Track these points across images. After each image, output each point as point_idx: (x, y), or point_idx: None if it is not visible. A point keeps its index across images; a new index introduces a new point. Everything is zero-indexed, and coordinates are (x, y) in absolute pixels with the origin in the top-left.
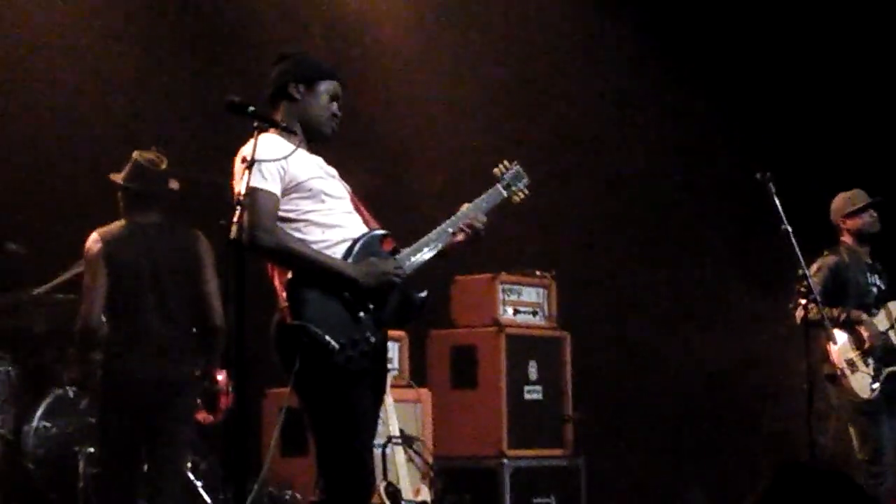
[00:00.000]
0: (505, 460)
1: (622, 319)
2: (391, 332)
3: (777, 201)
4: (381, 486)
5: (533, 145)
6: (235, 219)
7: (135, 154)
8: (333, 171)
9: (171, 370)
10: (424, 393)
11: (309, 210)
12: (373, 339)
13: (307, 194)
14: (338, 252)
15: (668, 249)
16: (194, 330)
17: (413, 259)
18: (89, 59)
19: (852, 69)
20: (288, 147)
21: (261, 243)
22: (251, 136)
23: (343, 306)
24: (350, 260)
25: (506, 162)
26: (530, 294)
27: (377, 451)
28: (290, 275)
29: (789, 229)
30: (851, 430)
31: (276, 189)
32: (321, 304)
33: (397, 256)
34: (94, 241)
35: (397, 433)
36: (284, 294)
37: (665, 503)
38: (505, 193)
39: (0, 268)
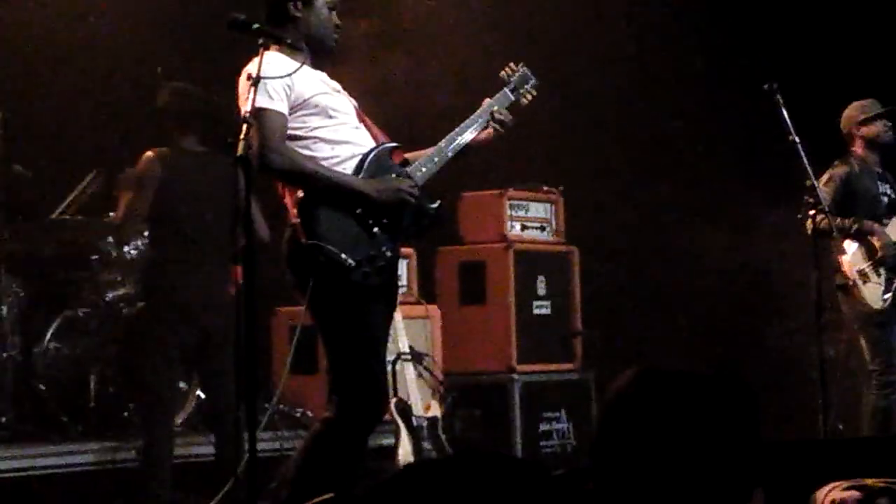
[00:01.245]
0: (514, 375)
1: (630, 234)
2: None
3: (784, 112)
4: (392, 402)
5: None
6: (242, 136)
7: (168, 84)
8: (338, 86)
9: (214, 293)
10: (433, 309)
11: (317, 126)
12: (389, 254)
13: (314, 111)
14: (348, 167)
15: (675, 162)
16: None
17: (424, 170)
18: None
19: None
20: (293, 64)
21: (272, 164)
22: (256, 55)
23: (357, 223)
24: (361, 175)
25: (512, 65)
26: (538, 210)
27: (387, 368)
28: (301, 193)
29: (797, 140)
30: (862, 340)
31: (284, 108)
32: (335, 222)
33: (409, 168)
34: (149, 159)
35: (407, 350)
36: (296, 212)
37: None
38: (512, 97)
39: (7, 191)
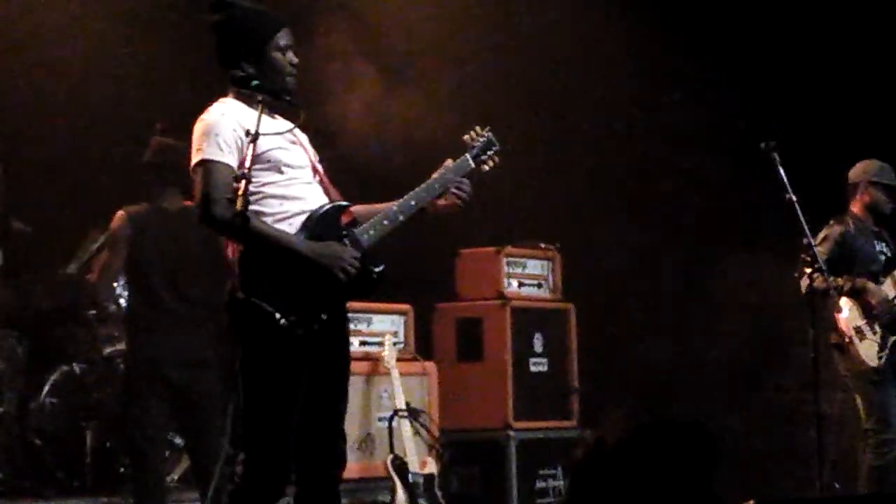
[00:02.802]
0: (511, 432)
1: (626, 291)
2: (396, 307)
3: (782, 171)
4: (389, 458)
5: (530, 117)
6: (239, 192)
7: (155, 138)
8: (295, 136)
9: (193, 351)
10: (430, 366)
11: (267, 182)
12: (324, 316)
13: (265, 165)
14: (295, 224)
15: (671, 221)
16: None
17: (372, 233)
18: (95, 39)
19: (861, 37)
20: (250, 117)
21: (215, 216)
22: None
23: (295, 283)
24: (306, 234)
25: (477, 128)
26: (535, 267)
27: (383, 424)
28: (242, 247)
29: (794, 198)
30: (858, 398)
31: (233, 161)
32: (273, 279)
33: (356, 230)
34: (120, 218)
35: (403, 406)
36: (236, 266)
37: None
38: (473, 164)
39: (7, 247)
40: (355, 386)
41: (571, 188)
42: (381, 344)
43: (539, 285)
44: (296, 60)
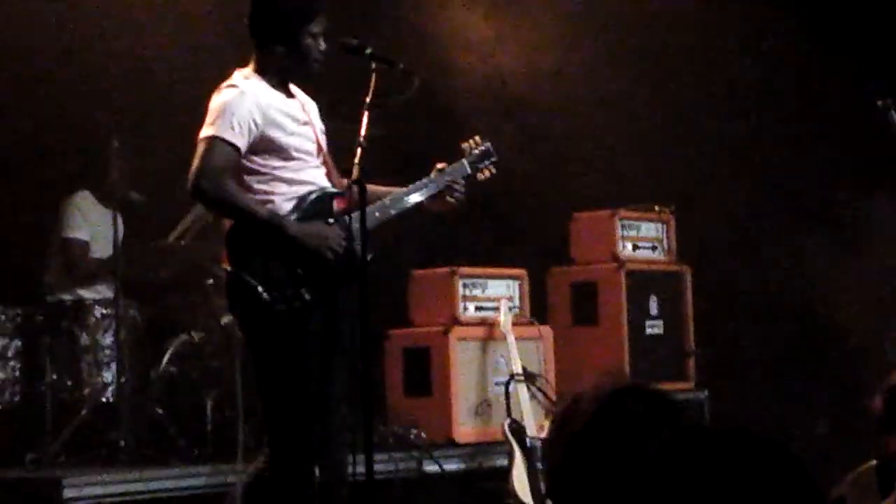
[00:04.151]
0: None
1: (744, 253)
2: (511, 271)
3: None
4: (506, 423)
5: (647, 75)
6: (356, 160)
7: None
8: (307, 115)
9: None
10: (545, 330)
11: (276, 166)
12: (307, 296)
13: (276, 151)
14: (289, 206)
15: (788, 181)
16: None
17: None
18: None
19: None
20: (268, 96)
21: (204, 192)
22: (370, 79)
23: (281, 261)
24: (297, 215)
25: (477, 138)
26: (649, 229)
27: (500, 389)
28: (231, 224)
29: None
30: None
31: (242, 144)
32: (259, 256)
33: (347, 218)
34: None
35: (520, 371)
36: (225, 243)
37: (790, 435)
38: (469, 170)
39: (125, 218)
40: (472, 351)
41: (686, 149)
42: (496, 309)
43: (654, 248)
44: (324, 47)
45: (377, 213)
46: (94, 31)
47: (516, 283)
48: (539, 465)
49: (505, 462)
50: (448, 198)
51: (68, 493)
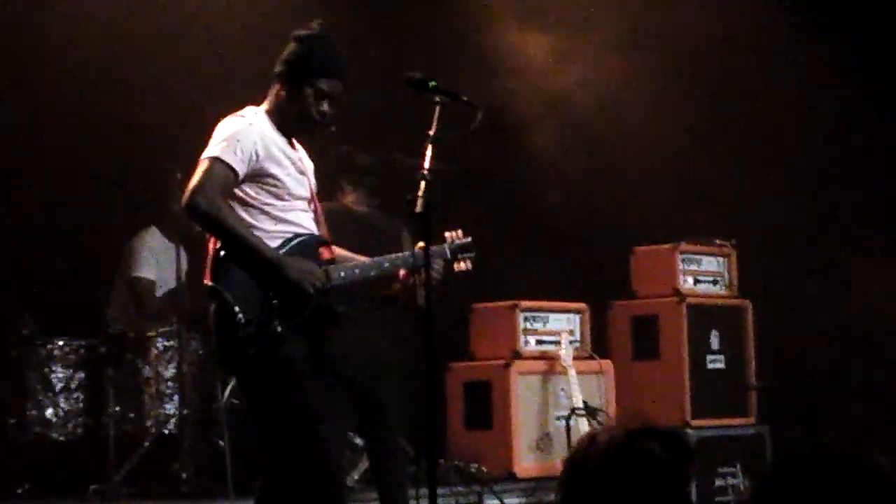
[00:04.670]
0: (689, 430)
1: (805, 286)
2: (572, 305)
3: None
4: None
5: (710, 105)
6: (420, 192)
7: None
8: (308, 168)
9: (371, 352)
10: (606, 364)
11: (267, 202)
12: (279, 328)
13: (270, 187)
14: (277, 242)
15: (849, 217)
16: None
17: (343, 274)
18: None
19: None
20: (270, 137)
21: (198, 207)
22: (432, 112)
23: (258, 287)
24: (283, 250)
25: (459, 231)
26: (710, 263)
27: (561, 423)
28: (219, 244)
29: None
30: None
31: (241, 170)
32: (238, 278)
33: (329, 267)
34: None
35: (581, 405)
36: (210, 257)
37: None
38: (448, 254)
39: (187, 250)
40: (533, 385)
41: (747, 183)
42: (557, 343)
43: (715, 282)
44: (325, 110)
45: (356, 271)
46: (159, 72)
47: (577, 317)
48: None
49: None
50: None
51: None
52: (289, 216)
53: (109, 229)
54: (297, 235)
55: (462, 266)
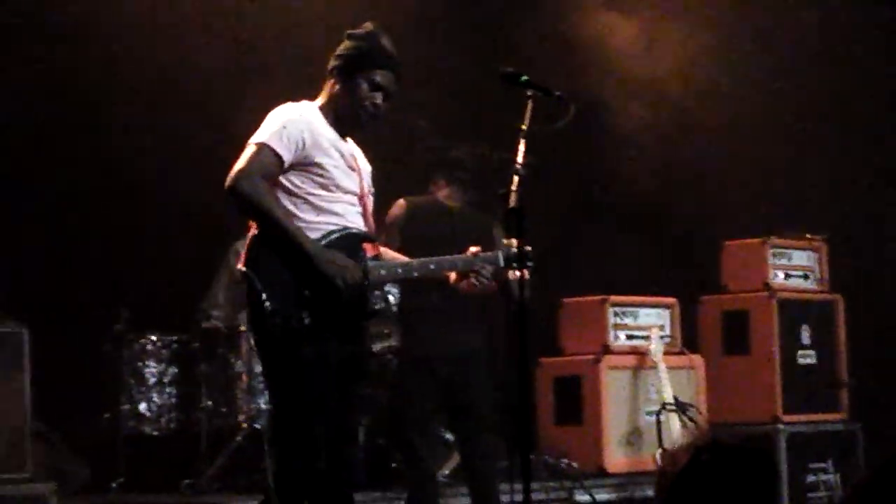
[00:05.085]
0: (780, 425)
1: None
2: (662, 300)
3: None
4: (657, 453)
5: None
6: (514, 187)
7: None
8: (362, 167)
9: (462, 346)
10: (697, 359)
11: (311, 192)
12: (307, 321)
13: (316, 177)
14: (319, 234)
15: None
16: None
17: (384, 272)
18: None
19: None
20: (320, 129)
21: (240, 190)
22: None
23: (291, 277)
24: (323, 242)
25: (514, 241)
26: (801, 258)
27: (651, 419)
28: (256, 230)
29: None
30: None
31: (287, 157)
32: (272, 265)
33: (371, 263)
34: (399, 206)
35: (671, 400)
36: (247, 244)
37: None
38: (502, 263)
39: None
40: (623, 380)
41: (839, 176)
42: (647, 338)
43: (805, 276)
44: (378, 102)
45: (399, 270)
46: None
47: (667, 312)
48: None
49: None
50: (473, 280)
51: None
52: (335, 208)
53: (205, 228)
54: (342, 228)
55: (517, 275)
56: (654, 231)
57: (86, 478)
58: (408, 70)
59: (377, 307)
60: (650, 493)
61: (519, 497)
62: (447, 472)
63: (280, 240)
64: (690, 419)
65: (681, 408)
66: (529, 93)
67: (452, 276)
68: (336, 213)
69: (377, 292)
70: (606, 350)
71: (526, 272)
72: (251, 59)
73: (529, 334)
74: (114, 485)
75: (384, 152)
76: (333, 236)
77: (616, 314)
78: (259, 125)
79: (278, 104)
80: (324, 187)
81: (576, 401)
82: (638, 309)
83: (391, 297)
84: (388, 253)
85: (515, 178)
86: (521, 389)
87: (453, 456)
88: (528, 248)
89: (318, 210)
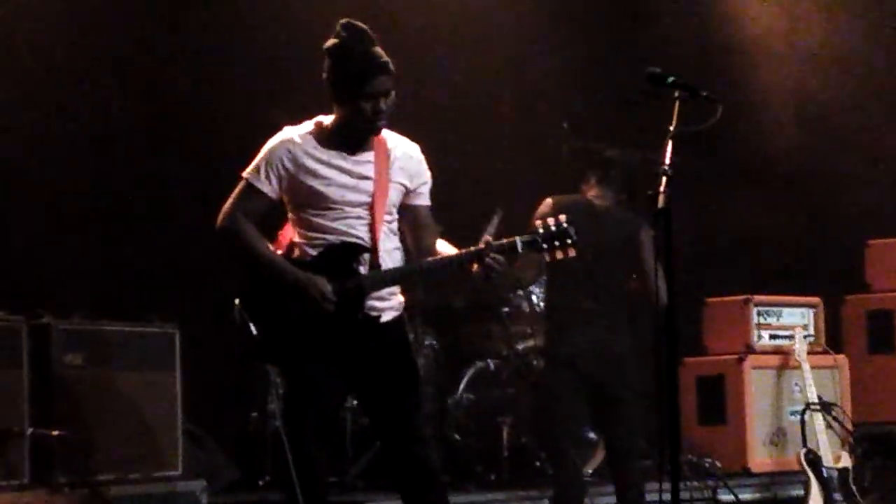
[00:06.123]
0: None
1: None
2: (806, 299)
3: None
4: (802, 452)
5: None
6: (662, 188)
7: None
8: (365, 171)
9: (609, 346)
10: (841, 358)
11: (306, 211)
12: (295, 344)
13: (311, 197)
14: (316, 251)
15: None
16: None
17: (377, 280)
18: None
19: None
20: (311, 151)
21: (220, 229)
22: (672, 107)
23: (278, 301)
24: (315, 261)
25: (560, 217)
26: None
27: (795, 418)
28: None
29: None
30: None
31: (267, 189)
32: (261, 292)
33: (371, 273)
34: (547, 205)
35: (815, 400)
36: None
37: None
38: (520, 249)
39: None
40: (766, 380)
41: None
42: (791, 337)
43: None
44: (383, 108)
45: (396, 275)
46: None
47: (811, 311)
48: (836, 496)
49: (800, 492)
50: (484, 271)
51: None
52: (332, 224)
53: None
54: (339, 244)
55: (560, 255)
56: (797, 229)
57: (234, 476)
58: (555, 73)
59: (362, 315)
60: (794, 492)
61: (667, 496)
62: (590, 471)
63: (264, 272)
64: (835, 419)
65: (825, 408)
66: (676, 93)
67: (475, 267)
68: (331, 229)
69: (508, 293)
70: (750, 350)
71: (566, 251)
72: None
73: (676, 335)
74: (261, 483)
75: (528, 155)
76: (327, 251)
77: (760, 314)
78: None
79: None
80: (315, 206)
81: (719, 400)
82: (782, 309)
83: (534, 297)
84: (446, 247)
85: (663, 179)
86: (669, 389)
87: (597, 455)
88: (566, 226)
89: (314, 227)
